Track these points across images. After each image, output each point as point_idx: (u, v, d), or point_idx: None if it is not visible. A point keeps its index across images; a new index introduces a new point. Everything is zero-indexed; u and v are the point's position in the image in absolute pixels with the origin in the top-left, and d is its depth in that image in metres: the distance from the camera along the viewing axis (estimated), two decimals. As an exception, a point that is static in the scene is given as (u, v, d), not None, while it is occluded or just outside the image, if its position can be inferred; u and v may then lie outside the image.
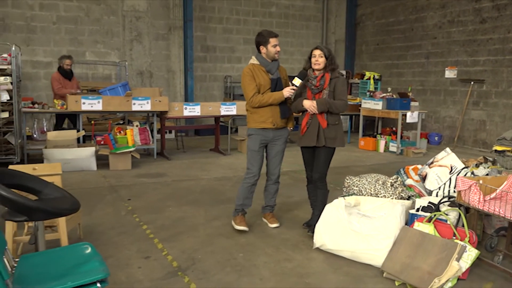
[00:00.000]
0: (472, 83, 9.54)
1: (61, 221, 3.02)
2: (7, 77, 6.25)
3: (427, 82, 10.73)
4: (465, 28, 9.69)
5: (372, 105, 9.16)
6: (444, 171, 4.21)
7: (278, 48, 3.95)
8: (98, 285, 1.93)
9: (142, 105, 7.24)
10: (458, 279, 3.14)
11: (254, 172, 4.04)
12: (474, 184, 3.23)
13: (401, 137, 9.07)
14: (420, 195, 4.25)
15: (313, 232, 3.78)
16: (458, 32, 9.85)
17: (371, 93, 9.50)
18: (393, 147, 8.85)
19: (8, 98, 6.30)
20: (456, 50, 9.92)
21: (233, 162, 7.48)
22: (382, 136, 9.26)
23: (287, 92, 3.88)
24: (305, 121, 3.90)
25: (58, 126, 7.65)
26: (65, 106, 6.93)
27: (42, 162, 6.37)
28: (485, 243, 3.76)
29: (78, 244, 2.34)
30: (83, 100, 6.86)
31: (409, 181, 4.54)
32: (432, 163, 4.45)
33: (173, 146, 8.93)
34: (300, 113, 4.03)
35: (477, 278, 3.23)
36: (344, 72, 11.45)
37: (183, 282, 3.08)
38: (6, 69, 6.25)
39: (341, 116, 4.04)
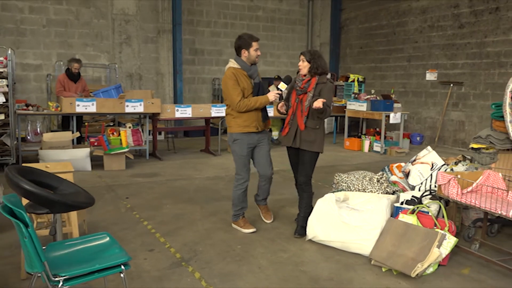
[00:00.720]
0: (451, 85, 9.97)
1: (73, 215, 3.23)
2: (3, 79, 6.37)
3: (409, 84, 11.14)
4: (444, 33, 10.12)
5: (357, 107, 9.50)
6: (425, 167, 4.53)
7: (259, 52, 3.96)
8: (122, 267, 2.16)
9: (135, 107, 7.42)
10: (439, 265, 3.44)
11: (245, 177, 4.08)
12: (453, 178, 3.54)
13: (385, 137, 9.43)
14: (403, 190, 4.56)
15: (299, 235, 3.99)
16: (438, 36, 10.27)
17: (356, 95, 9.85)
18: (377, 147, 9.20)
19: (4, 100, 6.42)
20: (436, 53, 10.34)
21: (224, 162, 7.71)
22: (366, 136, 9.61)
23: (273, 96, 3.92)
24: (287, 121, 3.97)
25: (64, 128, 7.78)
26: (59, 108, 7.07)
27: (37, 162, 6.51)
28: (463, 233, 4.10)
29: (97, 234, 2.56)
30: (77, 102, 7.02)
31: (393, 178, 4.86)
32: (414, 160, 4.77)
33: (164, 147, 9.11)
34: (283, 114, 4.10)
35: (456, 264, 3.54)
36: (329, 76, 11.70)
37: (188, 271, 3.31)
38: (2, 72, 6.37)
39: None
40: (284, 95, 4.17)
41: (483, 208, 3.31)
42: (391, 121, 8.96)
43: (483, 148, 4.06)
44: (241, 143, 4.00)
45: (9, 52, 6.44)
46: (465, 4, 9.66)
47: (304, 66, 3.91)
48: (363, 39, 12.40)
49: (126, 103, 7.36)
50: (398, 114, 9.04)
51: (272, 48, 12.82)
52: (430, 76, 10.52)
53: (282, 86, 3.97)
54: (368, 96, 9.43)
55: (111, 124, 9.45)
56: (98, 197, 5.32)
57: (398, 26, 11.25)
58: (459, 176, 3.73)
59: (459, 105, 9.94)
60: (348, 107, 9.77)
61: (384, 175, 4.42)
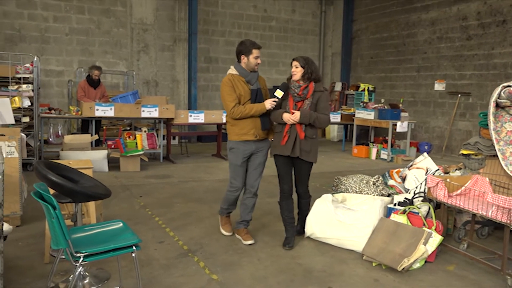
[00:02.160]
0: (459, 95, 10.17)
1: (91, 208, 3.59)
2: (29, 85, 6.83)
3: (418, 94, 11.35)
4: (452, 44, 10.34)
5: (365, 115, 9.76)
6: (420, 172, 4.79)
7: (259, 60, 3.87)
8: (134, 248, 2.50)
9: (150, 112, 7.82)
10: (426, 261, 3.70)
11: (237, 186, 4.01)
12: (441, 181, 3.81)
13: (392, 145, 9.66)
14: (400, 194, 4.82)
15: (289, 247, 3.94)
16: (447, 47, 10.49)
17: (364, 104, 10.11)
18: (384, 155, 9.43)
19: (30, 104, 6.88)
20: (445, 64, 10.55)
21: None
22: (374, 144, 9.85)
23: (269, 104, 3.82)
24: (286, 130, 3.84)
25: (84, 131, 8.23)
26: (79, 112, 7.51)
27: (58, 163, 6.94)
28: (454, 234, 4.34)
29: (112, 221, 2.91)
30: (96, 107, 7.45)
31: (391, 182, 5.12)
32: (411, 166, 5.03)
33: (177, 151, 9.50)
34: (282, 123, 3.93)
35: (443, 261, 3.80)
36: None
37: (193, 261, 3.64)
38: (28, 77, 6.84)
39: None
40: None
41: (466, 208, 3.57)
42: (398, 129, 9.20)
43: (472, 154, 4.31)
44: (236, 152, 3.92)
45: (35, 59, 6.91)
46: (473, 16, 9.88)
47: (298, 71, 3.83)
48: (374, 49, 12.67)
49: (142, 108, 7.77)
50: (405, 123, 9.26)
51: (284, 57, 13.17)
52: (439, 86, 10.73)
53: (279, 93, 3.84)
54: (376, 105, 9.69)
55: (128, 128, 9.88)
56: (114, 195, 5.69)
57: (408, 37, 11.49)
58: (448, 180, 3.99)
59: (466, 115, 10.12)
60: (357, 115, 10.03)
61: (380, 178, 4.69)
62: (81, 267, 2.40)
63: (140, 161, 7.47)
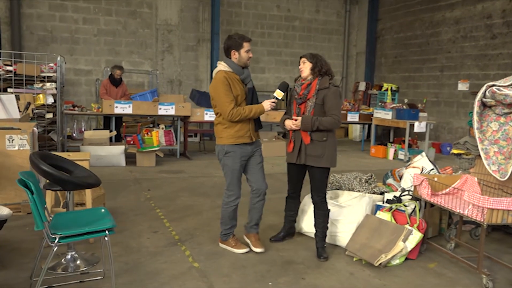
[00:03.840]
0: (482, 96, 9.91)
1: (88, 197, 3.86)
2: (53, 83, 7.28)
3: (441, 94, 11.15)
4: (477, 43, 10.10)
5: (383, 115, 9.71)
6: (417, 171, 4.80)
7: (250, 54, 3.62)
8: (106, 232, 2.73)
9: (167, 110, 8.13)
10: (407, 258, 3.75)
11: (236, 194, 3.74)
12: (425, 180, 3.84)
13: (410, 145, 9.55)
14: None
15: (324, 258, 3.69)
16: (471, 46, 10.26)
17: (383, 104, 10.05)
18: (401, 155, 9.35)
19: (53, 101, 7.32)
20: (469, 64, 10.32)
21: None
22: (392, 144, 9.78)
23: (268, 105, 3.59)
24: (290, 136, 3.70)
25: (106, 127, 8.65)
26: (100, 109, 7.91)
27: (79, 157, 7.36)
28: (445, 233, 4.34)
29: (97, 208, 3.16)
30: (116, 104, 7.82)
31: (389, 181, 5.15)
32: (408, 165, 5.04)
33: (195, 148, 9.78)
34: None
35: (425, 259, 3.83)
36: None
37: (180, 250, 3.85)
38: (52, 76, 7.28)
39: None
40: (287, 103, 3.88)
41: (445, 207, 3.59)
42: (416, 129, 9.09)
43: (463, 153, 4.29)
44: (234, 156, 3.62)
45: (58, 59, 7.35)
46: (498, 15, 9.62)
47: (306, 67, 3.61)
48: (398, 48, 12.52)
49: (159, 106, 8.08)
50: (423, 123, 9.15)
51: (307, 57, 13.20)
52: (462, 86, 10.50)
53: (278, 94, 3.60)
54: (394, 105, 9.62)
55: (151, 126, 10.26)
56: (124, 187, 6.00)
57: (432, 36, 11.30)
58: (436, 179, 4.01)
59: (489, 116, 9.86)
60: (375, 115, 9.99)
61: (373, 176, 4.74)
62: (56, 247, 2.63)
63: (156, 156, 7.78)
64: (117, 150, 7.52)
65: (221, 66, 3.63)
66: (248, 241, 3.89)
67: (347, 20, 13.51)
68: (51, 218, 2.96)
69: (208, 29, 11.83)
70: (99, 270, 3.29)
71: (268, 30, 12.70)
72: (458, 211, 3.45)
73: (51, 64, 7.34)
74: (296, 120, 3.61)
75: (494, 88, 3.47)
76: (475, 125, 3.63)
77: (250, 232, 3.90)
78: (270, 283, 3.28)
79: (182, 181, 6.59)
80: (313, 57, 3.63)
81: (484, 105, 3.77)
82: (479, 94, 3.63)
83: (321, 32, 13.33)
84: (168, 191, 5.92)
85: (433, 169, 4.68)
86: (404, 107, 9.65)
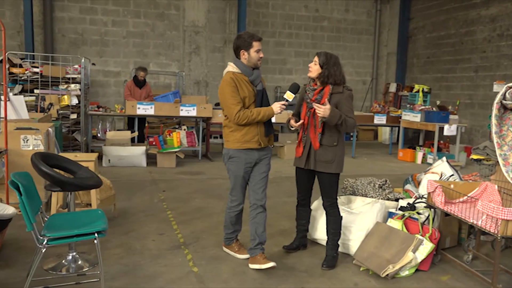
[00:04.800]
0: (520, 97, 9.39)
1: (93, 198, 3.87)
2: (77, 84, 7.44)
3: (476, 96, 10.66)
4: (514, 42, 9.59)
5: (411, 117, 9.36)
6: (435, 177, 4.56)
7: (261, 54, 3.43)
8: (96, 235, 2.70)
9: (188, 111, 8.14)
10: (417, 270, 3.55)
11: (239, 200, 3.61)
12: (439, 187, 3.62)
13: (440, 149, 9.17)
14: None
15: (327, 267, 3.56)
16: (507, 46, 9.75)
17: (411, 106, 9.70)
18: (430, 159, 8.98)
19: (77, 102, 7.48)
20: (505, 64, 9.81)
21: (272, 166, 8.09)
22: (421, 148, 9.42)
23: (278, 108, 3.42)
24: (299, 140, 3.57)
25: (129, 128, 8.78)
26: (123, 110, 8.02)
27: (101, 157, 7.50)
28: (464, 244, 4.09)
29: (94, 209, 3.15)
30: (138, 105, 7.91)
31: (407, 186, 4.93)
32: (428, 170, 4.80)
33: (219, 149, 9.75)
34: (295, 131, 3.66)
35: (438, 270, 3.61)
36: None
37: (183, 253, 3.80)
38: (76, 78, 7.44)
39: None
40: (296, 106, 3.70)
41: (459, 216, 3.36)
42: (445, 133, 8.71)
43: (484, 159, 4.02)
44: (238, 162, 3.46)
45: (83, 60, 7.50)
46: (537, 11, 9.09)
47: (314, 69, 3.43)
48: (430, 48, 12.07)
49: (181, 107, 8.11)
50: (454, 126, 8.76)
51: (336, 58, 12.96)
52: (498, 88, 9.97)
53: (289, 95, 3.42)
54: (423, 107, 9.26)
55: (177, 127, 10.33)
56: (140, 188, 6.04)
57: (466, 35, 10.83)
58: (451, 186, 3.78)
59: (527, 119, 9.32)
60: (403, 117, 9.65)
61: (387, 181, 4.53)
62: (44, 249, 2.62)
63: (177, 157, 7.80)
64: (138, 151, 7.59)
65: (230, 67, 3.53)
66: (256, 266, 3.44)
67: (377, 19, 13.16)
68: (46, 219, 2.97)
69: (235, 30, 11.80)
70: (96, 272, 3.28)
71: (295, 30, 12.55)
72: (471, 221, 3.23)
73: (76, 66, 7.50)
74: (324, 103, 3.30)
75: (513, 89, 3.22)
76: (493, 129, 3.39)
77: (254, 254, 3.51)
78: (267, 292, 3.17)
79: (199, 182, 6.56)
80: (325, 62, 3.39)
81: (504, 107, 3.51)
82: (498, 96, 3.39)
83: (351, 32, 13.05)
84: (182, 193, 5.90)
85: (453, 175, 4.43)
86: (434, 109, 9.28)
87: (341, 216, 3.67)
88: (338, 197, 4.48)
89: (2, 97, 3.67)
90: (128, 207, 5.10)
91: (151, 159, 7.84)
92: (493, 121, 3.38)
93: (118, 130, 8.56)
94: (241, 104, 3.39)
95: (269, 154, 3.64)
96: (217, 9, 11.73)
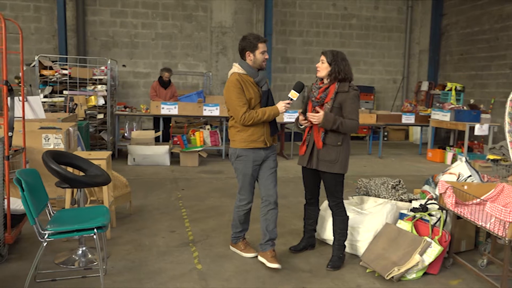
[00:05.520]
0: (559, 95, 8.91)
1: (105, 195, 3.98)
2: (103, 85, 7.67)
3: (512, 94, 10.19)
4: (552, 37, 9.11)
5: (441, 117, 9.07)
6: (452, 178, 4.40)
7: (266, 56, 3.47)
8: (95, 230, 2.78)
9: (212, 110, 8.23)
10: (426, 273, 3.44)
11: (248, 198, 3.66)
12: (449, 187, 3.49)
13: (472, 149, 8.84)
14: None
15: (332, 267, 3.53)
16: (546, 41, 9.28)
17: (441, 104, 9.40)
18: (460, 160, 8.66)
19: (104, 102, 7.72)
20: (543, 60, 9.34)
21: (292, 165, 8.06)
22: (451, 148, 9.11)
23: (283, 107, 3.46)
24: (304, 137, 3.56)
25: (155, 127, 8.98)
26: (148, 110, 8.20)
27: (127, 156, 7.70)
28: (480, 248, 3.93)
29: (97, 206, 3.25)
30: (162, 105, 8.06)
31: (425, 187, 4.78)
32: (446, 171, 4.64)
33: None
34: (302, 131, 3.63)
35: (449, 274, 3.49)
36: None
37: (189, 251, 3.84)
38: (102, 79, 7.67)
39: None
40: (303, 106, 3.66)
41: (469, 218, 3.23)
42: (476, 132, 8.39)
43: (501, 159, 3.84)
44: (246, 161, 3.51)
45: (109, 62, 7.73)
46: None
47: (323, 68, 3.41)
48: (464, 45, 11.66)
49: (204, 107, 8.20)
50: (486, 126, 8.41)
51: (365, 56, 12.76)
52: (535, 85, 9.52)
53: (293, 94, 3.45)
54: (453, 106, 8.95)
55: (204, 126, 10.46)
56: (160, 186, 6.16)
57: (502, 30, 10.38)
58: (465, 187, 3.64)
59: None
60: (432, 116, 9.37)
61: (401, 182, 4.41)
62: (45, 243, 2.73)
63: (199, 157, 7.90)
64: (162, 150, 7.74)
65: (235, 68, 3.55)
66: (263, 260, 3.52)
67: (409, 16, 12.81)
68: (53, 214, 3.09)
69: (262, 30, 11.81)
70: (103, 267, 3.37)
71: (323, 29, 12.43)
72: (480, 223, 3.10)
73: (102, 68, 7.74)
74: (318, 112, 3.35)
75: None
76: (507, 127, 3.24)
77: (265, 250, 3.56)
78: (267, 291, 3.16)
79: (218, 181, 6.62)
80: (332, 59, 3.38)
81: (520, 105, 3.35)
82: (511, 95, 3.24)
83: (380, 29, 12.78)
84: (200, 191, 5.97)
85: (470, 176, 4.27)
86: (465, 108, 8.95)
87: (348, 216, 3.61)
88: (351, 197, 4.45)
89: (21, 98, 3.82)
90: (145, 204, 5.21)
91: (175, 158, 7.98)
92: (507, 119, 3.23)
93: (143, 129, 8.75)
94: (247, 105, 3.43)
95: (275, 152, 3.69)
96: (244, 10, 11.79)
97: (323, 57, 3.43)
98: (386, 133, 12.47)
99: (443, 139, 11.49)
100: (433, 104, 11.93)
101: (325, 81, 3.47)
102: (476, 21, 11.18)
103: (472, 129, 8.39)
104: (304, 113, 3.60)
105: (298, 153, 3.68)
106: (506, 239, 2.83)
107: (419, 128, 11.72)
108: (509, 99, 3.22)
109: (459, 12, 11.80)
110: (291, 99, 3.48)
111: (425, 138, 11.73)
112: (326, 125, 3.32)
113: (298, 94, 3.48)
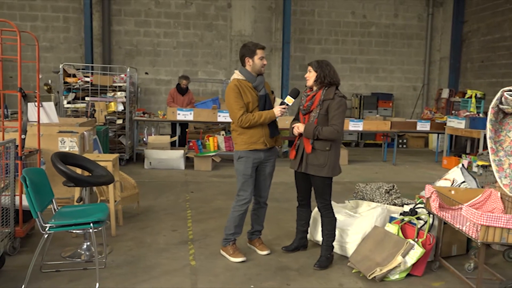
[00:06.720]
0: None
1: (110, 194, 4.27)
2: (123, 92, 8.06)
3: (532, 101, 10.00)
4: None
5: (456, 124, 9.03)
6: (447, 183, 4.47)
7: (264, 61, 3.73)
8: (91, 224, 3.05)
9: (225, 117, 8.48)
10: (410, 275, 3.54)
11: (247, 198, 3.80)
12: (434, 192, 3.59)
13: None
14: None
15: (319, 267, 3.67)
16: None
17: (456, 112, 9.35)
18: (476, 168, 8.59)
19: (123, 108, 8.10)
20: None
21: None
22: (467, 156, 9.04)
23: (279, 111, 3.67)
24: (294, 144, 3.76)
25: (172, 132, 9.32)
26: (165, 116, 8.54)
27: (144, 160, 8.04)
28: (470, 252, 4.00)
29: (99, 203, 3.52)
30: (178, 112, 8.38)
31: (422, 192, 4.85)
32: (443, 177, 4.71)
33: (259, 154, 10.01)
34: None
35: (433, 276, 3.58)
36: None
37: (186, 248, 4.07)
38: (122, 86, 8.07)
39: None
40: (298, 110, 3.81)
41: (449, 222, 3.33)
42: (491, 140, 8.30)
43: (490, 165, 3.89)
44: (246, 161, 3.72)
45: (128, 70, 8.12)
46: None
47: (310, 76, 3.64)
48: (485, 52, 11.52)
49: (218, 113, 8.47)
50: (501, 133, 8.30)
51: (384, 63, 12.77)
52: (556, 92, 9.32)
53: (289, 100, 3.67)
54: (468, 113, 8.90)
55: (222, 131, 10.74)
56: (171, 189, 6.43)
57: (522, 37, 10.23)
58: (453, 192, 3.73)
59: None
60: (448, 124, 9.33)
61: (395, 187, 4.51)
62: (46, 235, 3.02)
63: (213, 161, 8.15)
64: (177, 154, 8.04)
65: (235, 74, 3.81)
66: (253, 247, 4.02)
67: (429, 23, 12.76)
68: (57, 209, 3.38)
69: (280, 39, 12.03)
70: (103, 260, 3.64)
71: (342, 37, 12.53)
72: (458, 226, 3.19)
73: (122, 75, 8.13)
74: (298, 127, 3.65)
75: (505, 94, 3.15)
76: (488, 133, 3.33)
77: (252, 238, 4.08)
78: (252, 286, 3.34)
79: (227, 185, 6.84)
80: (318, 66, 3.61)
81: (504, 112, 3.43)
82: (494, 101, 3.33)
83: (400, 37, 12.77)
84: (208, 194, 6.21)
85: (464, 182, 4.33)
86: (480, 115, 8.88)
87: (335, 218, 3.77)
88: (347, 201, 4.59)
89: (36, 104, 4.17)
90: (153, 205, 5.49)
91: (190, 163, 8.26)
92: (488, 126, 3.31)
93: (161, 134, 9.09)
94: (244, 108, 3.66)
95: (275, 155, 3.93)
96: (263, 18, 12.05)
97: (310, 67, 3.66)
98: (405, 141, 12.42)
99: (463, 146, 11.35)
100: (453, 112, 11.83)
101: (314, 88, 3.66)
102: (497, 28, 11.05)
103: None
104: (295, 120, 3.83)
105: (289, 157, 3.86)
106: (478, 241, 2.92)
107: (435, 135, 11.65)
108: (490, 106, 3.30)
109: (480, 19, 11.69)
110: (287, 104, 3.70)
111: (442, 145, 11.65)
112: (307, 136, 3.57)
113: (293, 100, 3.72)
